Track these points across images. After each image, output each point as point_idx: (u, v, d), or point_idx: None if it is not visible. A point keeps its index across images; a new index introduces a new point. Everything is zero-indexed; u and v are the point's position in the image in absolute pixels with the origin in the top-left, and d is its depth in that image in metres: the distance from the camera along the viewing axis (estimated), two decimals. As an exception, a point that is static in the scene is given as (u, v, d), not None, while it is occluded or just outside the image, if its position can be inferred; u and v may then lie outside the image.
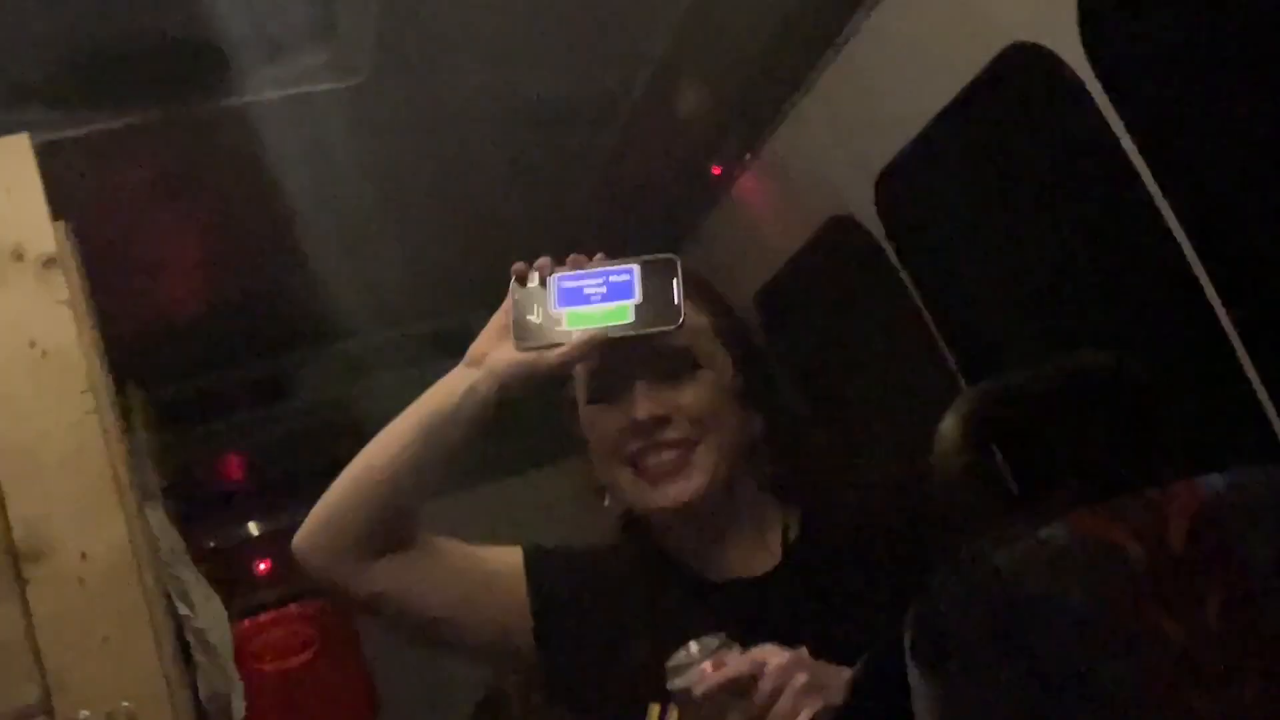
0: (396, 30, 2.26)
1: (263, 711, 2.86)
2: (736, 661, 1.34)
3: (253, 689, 2.79)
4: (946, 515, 1.18)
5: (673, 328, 1.48)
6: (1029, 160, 2.30)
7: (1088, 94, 1.94)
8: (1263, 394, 1.88)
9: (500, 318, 1.54)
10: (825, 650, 1.45)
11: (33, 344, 1.93)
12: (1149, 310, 2.12)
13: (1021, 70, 2.09)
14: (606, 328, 1.48)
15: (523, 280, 1.52)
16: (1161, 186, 1.90)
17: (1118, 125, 1.92)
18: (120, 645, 1.89)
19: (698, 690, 1.34)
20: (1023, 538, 0.94)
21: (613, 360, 1.51)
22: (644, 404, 1.52)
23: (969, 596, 0.94)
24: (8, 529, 1.90)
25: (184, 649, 2.20)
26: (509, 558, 1.63)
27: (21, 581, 1.89)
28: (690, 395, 1.53)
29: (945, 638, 0.96)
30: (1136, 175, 1.92)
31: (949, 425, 1.06)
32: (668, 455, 1.53)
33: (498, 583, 1.61)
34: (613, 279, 1.50)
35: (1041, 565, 0.92)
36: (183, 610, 2.27)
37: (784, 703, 1.31)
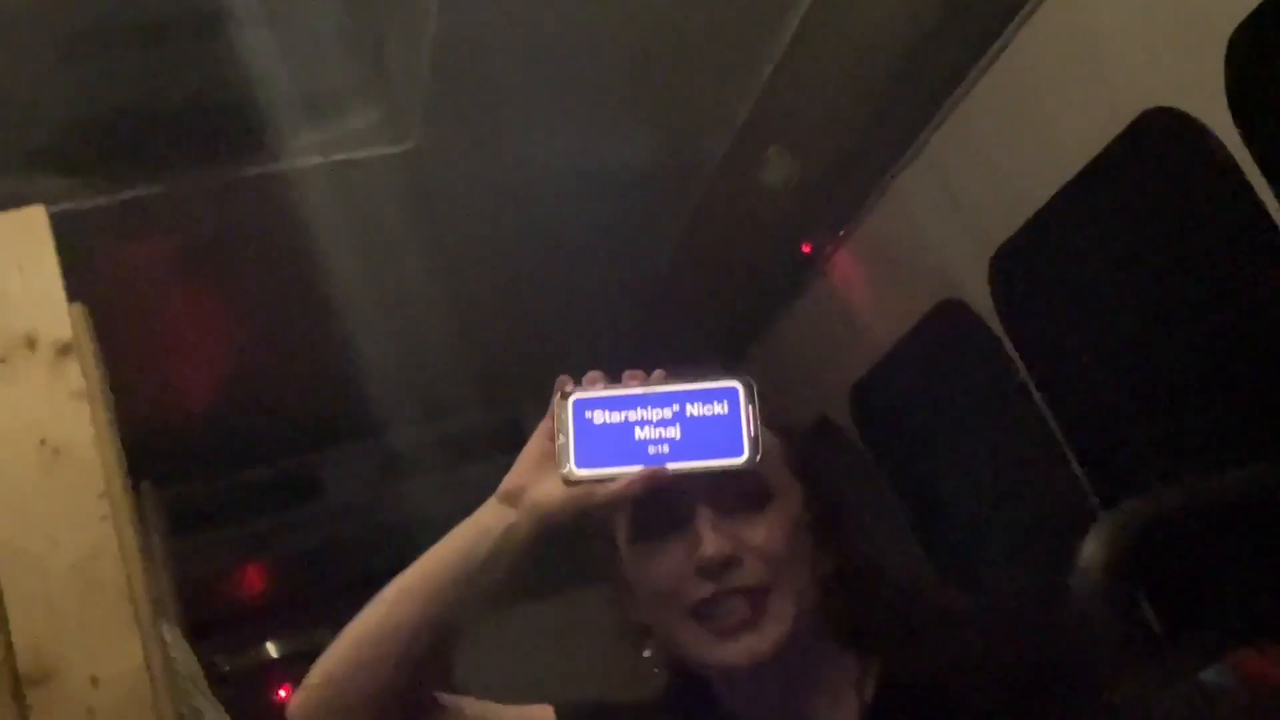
0: (453, 90, 2.29)
1: None
2: None
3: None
4: (1081, 661, 1.16)
5: (743, 463, 1.47)
6: (1169, 238, 2.28)
7: (1235, 162, 1.94)
8: None
9: (538, 443, 1.48)
10: None
11: (44, 441, 1.96)
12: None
13: (1160, 137, 2.09)
14: (666, 459, 1.44)
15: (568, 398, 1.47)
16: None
17: (1268, 196, 1.91)
18: (131, 784, 1.90)
19: None
20: (1179, 682, 0.93)
21: (669, 488, 1.45)
22: (712, 541, 1.45)
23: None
24: (9, 647, 1.92)
25: (201, 789, 2.20)
26: (539, 717, 1.57)
27: (23, 707, 1.90)
28: (763, 532, 1.47)
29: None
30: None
31: (1094, 550, 1.06)
32: (740, 604, 1.46)
33: None
34: (674, 402, 1.47)
35: (1203, 714, 0.91)
36: (200, 744, 2.28)
37: None
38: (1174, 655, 0.98)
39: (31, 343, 1.98)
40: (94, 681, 1.92)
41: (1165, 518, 1.11)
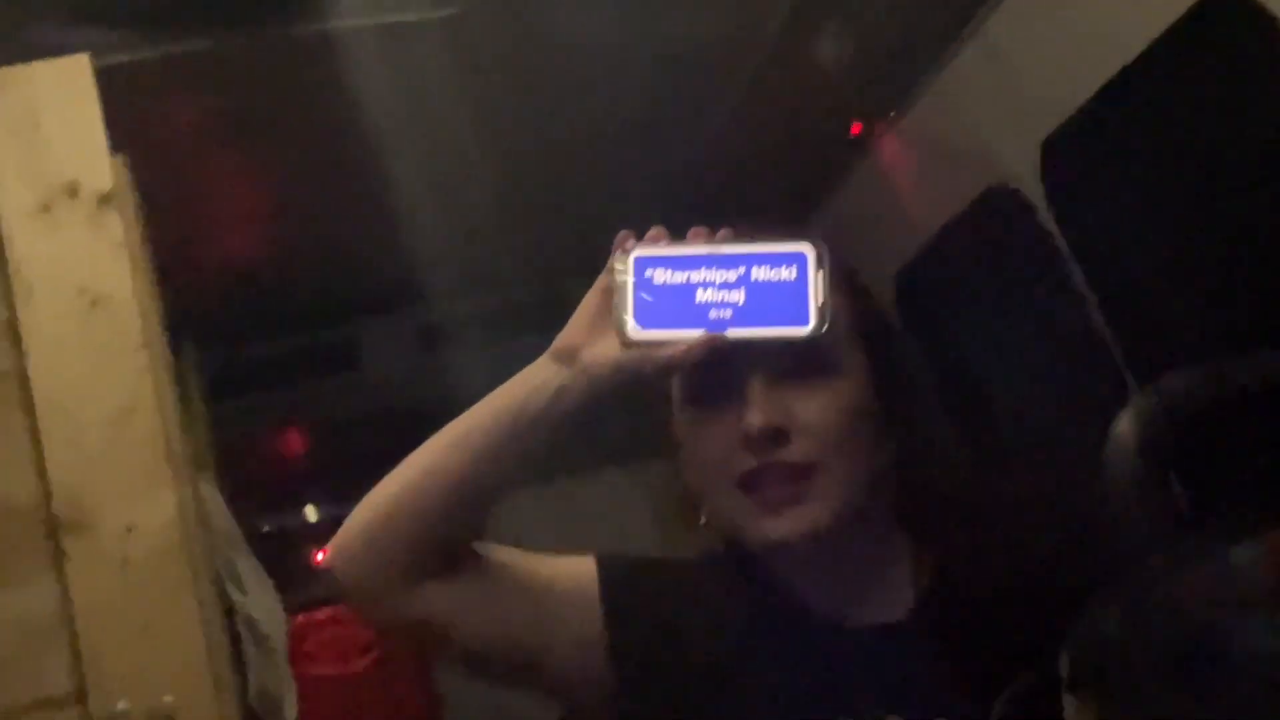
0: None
1: (314, 717, 2.89)
2: None
3: (304, 692, 2.82)
4: (1114, 541, 1.16)
5: (808, 333, 1.44)
6: (1228, 124, 2.25)
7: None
8: None
9: (594, 300, 1.47)
10: (962, 710, 1.42)
11: (83, 291, 1.97)
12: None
13: (1223, 22, 2.05)
14: (728, 324, 1.42)
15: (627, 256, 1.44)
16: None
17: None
18: (164, 632, 1.93)
19: None
20: (1207, 560, 0.93)
21: (728, 353, 1.43)
22: (761, 409, 1.44)
23: (1141, 625, 0.93)
24: (47, 497, 1.95)
25: (233, 640, 2.24)
26: (580, 571, 1.57)
27: (59, 556, 1.93)
28: (817, 407, 1.45)
29: (1110, 670, 0.95)
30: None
31: (1125, 429, 1.05)
32: (784, 479, 1.45)
33: (567, 602, 1.55)
34: (741, 264, 1.42)
35: (1229, 591, 0.90)
36: (235, 597, 2.31)
37: None
38: (1204, 533, 0.97)
39: (74, 191, 1.99)
40: (129, 531, 1.94)
41: (1198, 397, 1.10)
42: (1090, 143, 2.51)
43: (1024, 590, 1.45)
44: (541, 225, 3.30)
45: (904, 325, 3.27)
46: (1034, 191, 2.66)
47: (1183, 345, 2.52)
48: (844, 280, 1.52)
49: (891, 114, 3.05)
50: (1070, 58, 2.44)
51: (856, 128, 3.18)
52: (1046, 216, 2.65)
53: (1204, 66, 2.19)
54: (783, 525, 1.45)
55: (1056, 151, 2.58)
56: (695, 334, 1.41)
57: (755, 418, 1.44)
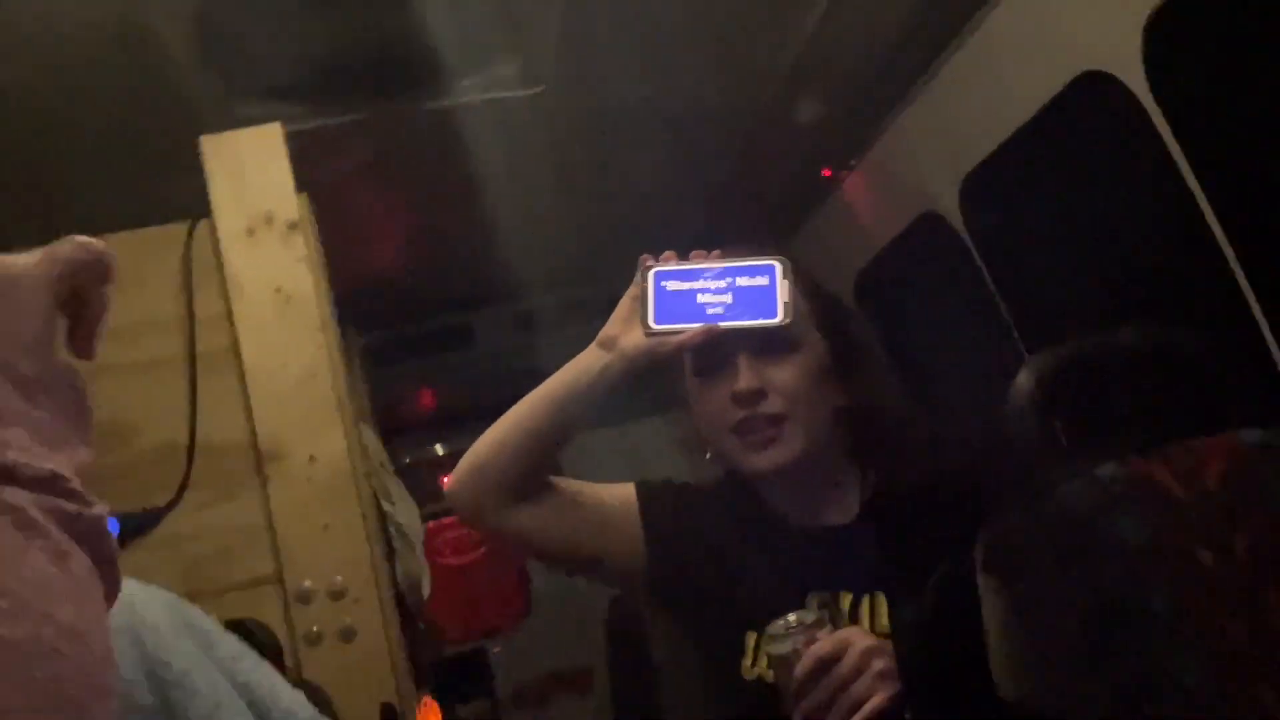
0: (572, 48, 2.27)
1: (441, 594, 2.91)
2: (824, 642, 1.30)
3: (433, 576, 2.83)
4: (1015, 462, 1.15)
5: (777, 323, 1.43)
6: (1091, 167, 2.23)
7: (1145, 111, 1.88)
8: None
9: (626, 304, 1.49)
10: (898, 588, 1.42)
11: (278, 290, 1.99)
12: (1190, 298, 2.05)
13: (1090, 93, 2.03)
14: (720, 318, 1.44)
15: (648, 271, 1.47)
16: (1205, 191, 1.83)
17: (1169, 138, 1.86)
18: (337, 531, 1.94)
19: (798, 672, 1.30)
20: (1084, 475, 0.92)
21: (720, 338, 1.46)
22: (745, 376, 1.46)
23: (1036, 521, 0.93)
24: (254, 436, 1.97)
25: (386, 539, 2.25)
26: (623, 493, 1.59)
27: (263, 478, 1.95)
28: (786, 373, 1.47)
29: (1013, 554, 0.94)
30: (1182, 180, 1.85)
31: (1023, 381, 1.04)
32: (764, 425, 1.47)
33: (615, 516, 1.57)
34: (728, 275, 1.45)
35: (1099, 498, 0.90)
36: (387, 507, 2.32)
37: (861, 684, 1.27)
38: (1080, 456, 0.97)
39: (270, 219, 2.00)
40: (311, 459, 1.96)
41: (1075, 359, 1.09)
42: (996, 180, 2.49)
43: (941, 501, 1.46)
44: (597, 242, 3.30)
45: (860, 311, 3.26)
46: (955, 216, 2.64)
47: (1062, 324, 2.50)
48: (805, 282, 1.53)
49: (852, 161, 3.03)
50: (982, 119, 2.42)
51: (827, 171, 3.16)
52: (964, 234, 2.63)
53: (1079, 123, 2.17)
54: (765, 459, 1.48)
55: (973, 185, 2.56)
56: (697, 326, 1.43)
57: (742, 381, 1.46)
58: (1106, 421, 1.09)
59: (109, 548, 0.66)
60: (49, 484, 0.62)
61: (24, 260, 0.69)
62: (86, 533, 0.63)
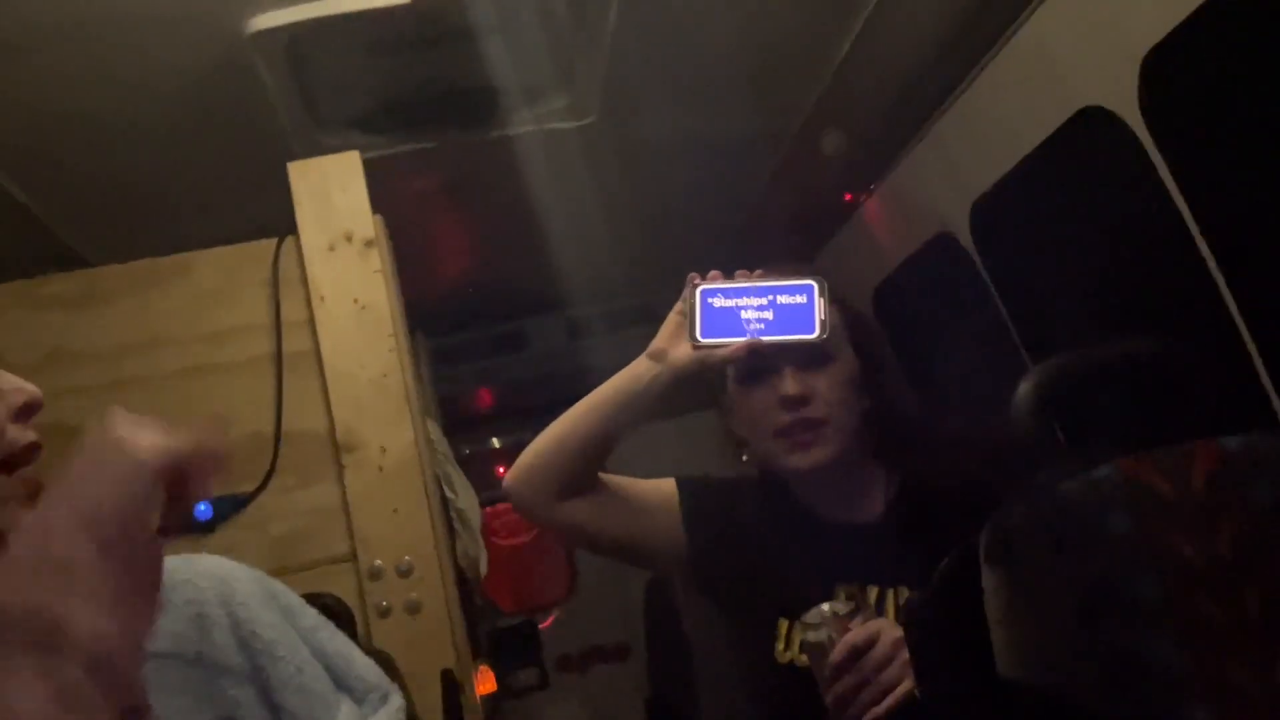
0: (617, 86, 2.27)
1: (495, 572, 2.93)
2: (858, 631, 1.29)
3: (489, 556, 2.85)
4: (1017, 464, 1.14)
5: (814, 338, 1.43)
6: (1090, 193, 2.21)
7: (1140, 144, 1.86)
8: (1266, 380, 1.79)
9: (674, 319, 1.49)
10: (920, 580, 1.41)
11: (355, 300, 2.01)
12: (1180, 314, 2.03)
13: (1089, 127, 2.01)
14: (762, 333, 1.43)
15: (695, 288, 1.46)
16: (1195, 217, 1.81)
17: (1163, 169, 1.84)
18: (406, 515, 1.96)
19: (834, 658, 1.29)
20: (1078, 474, 0.92)
21: (762, 351, 1.45)
22: (792, 384, 1.45)
23: (1034, 515, 0.92)
24: (332, 429, 1.99)
25: (448, 522, 2.27)
26: (665, 488, 1.59)
27: (340, 466, 1.97)
28: (825, 381, 1.47)
29: (1013, 546, 0.94)
30: (1174, 206, 1.83)
31: (1025, 390, 1.04)
32: (806, 430, 1.46)
33: (657, 508, 1.57)
34: (770, 294, 1.44)
35: (1093, 495, 0.89)
36: (449, 494, 2.34)
37: (890, 672, 1.27)
38: (1077, 458, 0.96)
39: (349, 237, 2.02)
40: (383, 450, 1.97)
41: (1073, 369, 1.08)
42: (1005, 205, 2.47)
43: (960, 499, 1.44)
44: (640, 260, 3.30)
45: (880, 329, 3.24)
46: (965, 237, 2.63)
47: (1062, 336, 2.48)
48: (838, 302, 1.53)
49: (871, 186, 3.02)
50: (990, 150, 2.40)
51: (848, 195, 3.15)
52: (974, 254, 2.62)
53: (1079, 154, 2.15)
54: (807, 459, 1.47)
55: (982, 210, 2.54)
56: (741, 340, 1.43)
57: (790, 389, 1.45)
58: (1102, 426, 1.09)
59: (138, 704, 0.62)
60: (106, 664, 0.57)
61: (148, 443, 0.67)
62: (121, 696, 0.59)
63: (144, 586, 0.65)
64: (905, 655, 1.26)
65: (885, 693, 1.26)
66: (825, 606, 1.32)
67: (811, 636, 1.32)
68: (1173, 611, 0.86)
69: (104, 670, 0.58)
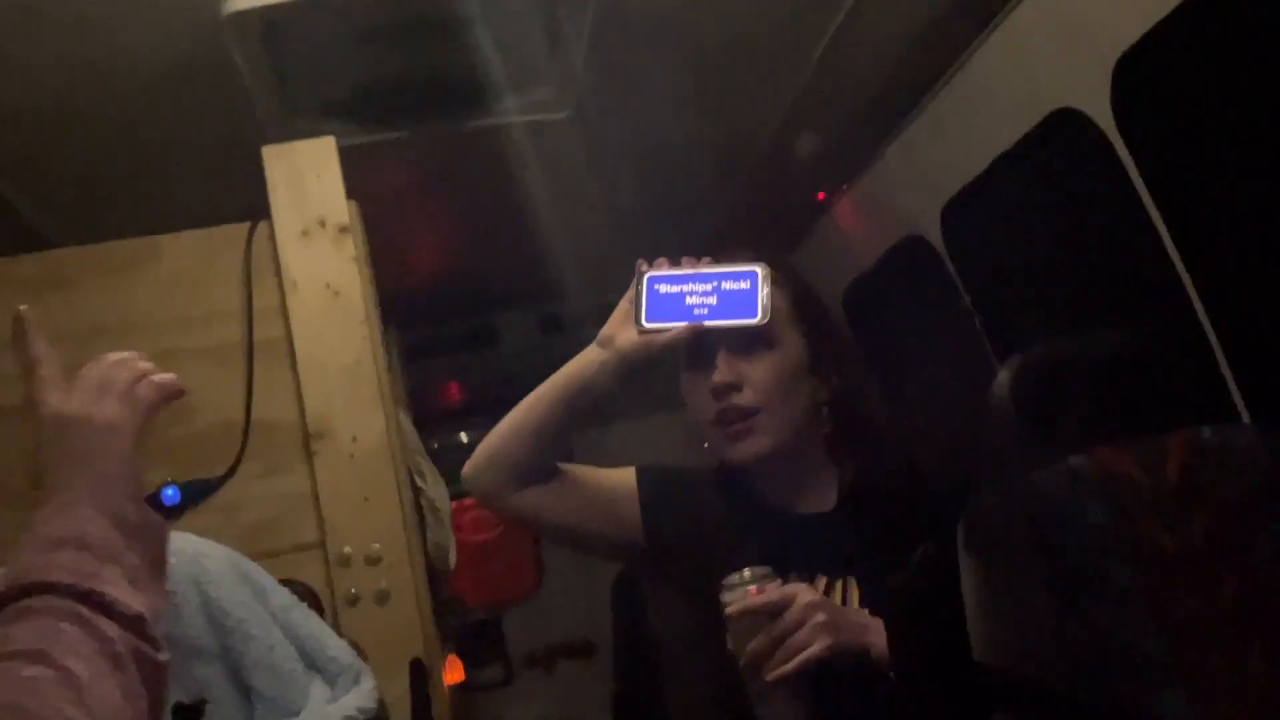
0: (595, 80, 2.26)
1: (461, 567, 2.91)
2: (771, 592, 1.31)
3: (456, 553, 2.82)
4: (993, 451, 1.15)
5: (754, 322, 1.42)
6: (1060, 194, 2.23)
7: (1111, 145, 1.88)
8: (1227, 373, 1.81)
9: (624, 306, 1.49)
10: (869, 573, 1.41)
11: (328, 286, 1.98)
12: (1147, 311, 2.05)
13: (1061, 129, 2.03)
14: (705, 318, 1.43)
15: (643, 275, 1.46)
16: (1163, 216, 1.83)
17: (1134, 172, 1.85)
18: (375, 503, 1.94)
19: (733, 609, 1.31)
20: (1054, 464, 0.92)
21: (705, 336, 1.45)
22: (721, 370, 1.45)
23: (1012, 504, 0.92)
24: (303, 417, 1.96)
25: (418, 512, 2.25)
26: (625, 476, 1.58)
27: (310, 454, 1.94)
28: (761, 369, 1.46)
29: (991, 533, 0.94)
30: (1142, 206, 1.85)
31: (1002, 381, 1.04)
32: (737, 418, 1.46)
33: (616, 496, 1.56)
34: (715, 280, 1.44)
35: (1069, 485, 0.90)
36: (419, 484, 2.32)
37: (802, 634, 1.27)
38: (1051, 448, 0.96)
39: (322, 223, 2.00)
40: (354, 439, 1.95)
41: (1051, 362, 1.09)
42: (974, 207, 2.49)
43: (912, 492, 1.45)
44: (615, 254, 3.28)
45: (849, 324, 3.25)
46: (936, 238, 2.64)
47: (1029, 335, 2.50)
48: (793, 285, 1.52)
49: (844, 186, 3.03)
50: (962, 151, 2.42)
51: (821, 195, 3.16)
52: (943, 255, 2.63)
53: (1051, 155, 2.17)
54: (739, 450, 1.47)
55: (951, 212, 2.56)
56: (683, 324, 1.42)
57: (717, 375, 1.45)
58: (1076, 417, 1.09)
59: (164, 692, 0.69)
60: (137, 624, 0.65)
61: (109, 411, 0.72)
62: (153, 676, 0.66)
63: (157, 565, 0.71)
64: (820, 618, 1.27)
65: (795, 653, 1.26)
66: (746, 571, 1.33)
67: (728, 597, 1.32)
68: (1147, 600, 0.86)
69: (136, 630, 0.66)
